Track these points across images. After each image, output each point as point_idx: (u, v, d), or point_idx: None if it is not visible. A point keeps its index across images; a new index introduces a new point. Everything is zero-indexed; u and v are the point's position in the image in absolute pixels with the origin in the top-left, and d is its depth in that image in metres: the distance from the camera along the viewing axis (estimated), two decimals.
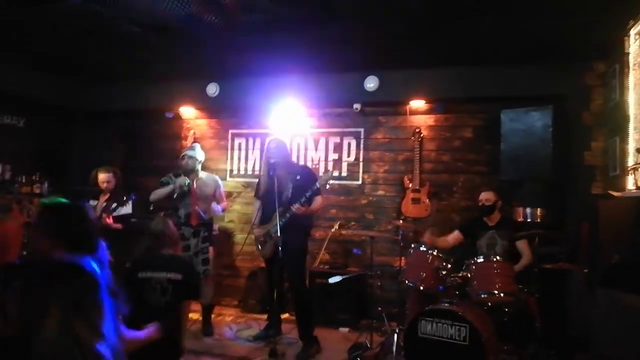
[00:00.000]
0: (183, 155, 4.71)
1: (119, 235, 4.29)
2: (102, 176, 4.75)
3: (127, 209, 4.50)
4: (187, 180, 4.61)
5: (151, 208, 5.60)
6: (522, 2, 3.53)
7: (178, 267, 2.97)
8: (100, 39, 4.61)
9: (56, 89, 6.07)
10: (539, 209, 4.55)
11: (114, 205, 4.36)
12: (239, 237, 5.99)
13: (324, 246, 5.52)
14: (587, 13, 3.63)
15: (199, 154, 4.73)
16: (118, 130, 6.53)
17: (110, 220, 4.47)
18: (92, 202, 4.67)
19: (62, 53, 5.17)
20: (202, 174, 4.77)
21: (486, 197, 4.28)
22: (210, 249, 4.68)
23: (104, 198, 4.74)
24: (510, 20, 3.86)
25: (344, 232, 5.57)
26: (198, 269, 4.50)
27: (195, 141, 6.25)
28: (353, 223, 5.63)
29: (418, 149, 5.38)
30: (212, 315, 4.89)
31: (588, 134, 4.57)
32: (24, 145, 5.95)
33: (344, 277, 4.69)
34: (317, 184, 4.11)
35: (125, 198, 4.38)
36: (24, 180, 5.76)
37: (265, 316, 4.88)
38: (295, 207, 4.06)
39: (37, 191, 5.82)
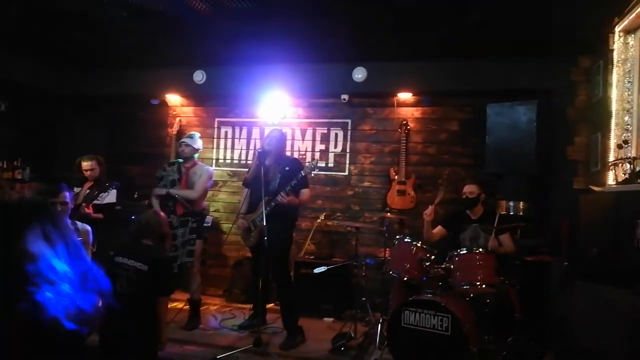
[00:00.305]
0: (181, 143, 4.68)
1: (100, 225, 4.22)
2: (86, 164, 4.67)
3: (111, 197, 4.45)
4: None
5: (135, 196, 5.56)
6: None
7: (146, 258, 2.94)
8: (86, 23, 4.52)
9: (40, 73, 5.96)
10: (521, 203, 4.61)
11: (96, 193, 4.30)
12: (225, 226, 5.98)
13: (310, 237, 5.54)
14: (573, 9, 3.67)
15: (197, 143, 4.68)
16: (103, 116, 6.45)
17: (89, 210, 4.40)
18: (76, 190, 4.59)
19: (46, 36, 5.07)
20: (199, 165, 4.71)
21: (470, 189, 4.32)
22: (198, 242, 4.54)
23: (87, 185, 4.68)
24: (498, 14, 3.88)
25: (329, 222, 5.60)
26: (183, 260, 4.48)
27: (180, 129, 6.20)
28: (339, 214, 5.65)
29: (404, 141, 5.40)
30: (200, 309, 4.83)
31: (572, 129, 4.62)
32: (5, 130, 5.82)
33: (329, 267, 4.72)
34: (302, 172, 4.12)
35: (107, 185, 4.32)
36: (5, 166, 5.66)
37: (249, 306, 4.88)
38: (280, 197, 4.06)
39: (19, 177, 5.72)
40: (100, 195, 4.28)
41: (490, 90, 5.02)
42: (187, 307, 4.67)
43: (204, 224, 4.63)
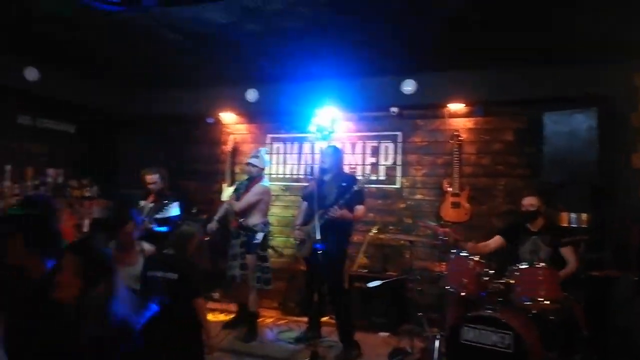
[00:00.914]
0: (247, 163, 4.93)
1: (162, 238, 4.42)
2: (149, 177, 4.92)
3: (175, 210, 4.67)
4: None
5: (194, 211, 5.77)
6: (565, 1, 3.46)
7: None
8: (145, 47, 4.78)
9: (105, 96, 6.33)
10: (584, 214, 4.44)
11: (159, 206, 4.56)
12: (278, 239, 6.08)
13: (362, 250, 5.54)
14: (635, 10, 3.52)
15: (261, 162, 4.88)
16: (161, 134, 6.76)
17: (151, 226, 4.60)
18: (141, 203, 4.84)
19: (111, 61, 5.40)
20: (258, 183, 4.86)
21: (530, 202, 4.19)
22: (249, 256, 4.66)
23: (150, 199, 4.91)
24: (553, 19, 3.79)
25: (382, 236, 5.58)
26: (233, 272, 4.64)
27: (235, 146, 6.41)
28: (391, 227, 5.63)
29: (457, 152, 5.33)
30: (257, 321, 4.94)
31: (636, 136, 4.42)
32: (75, 151, 6.23)
33: (383, 281, 4.70)
34: (355, 187, 4.15)
35: (169, 200, 4.56)
36: (75, 184, 6.04)
37: (305, 318, 4.94)
38: (332, 211, 4.10)
39: (88, 194, 6.09)
40: (164, 209, 4.50)
41: (546, 98, 4.87)
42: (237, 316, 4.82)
43: (254, 241, 4.67)
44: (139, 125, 6.82)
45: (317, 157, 4.60)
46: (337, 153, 4.53)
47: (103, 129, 6.56)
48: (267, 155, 4.99)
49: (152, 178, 4.91)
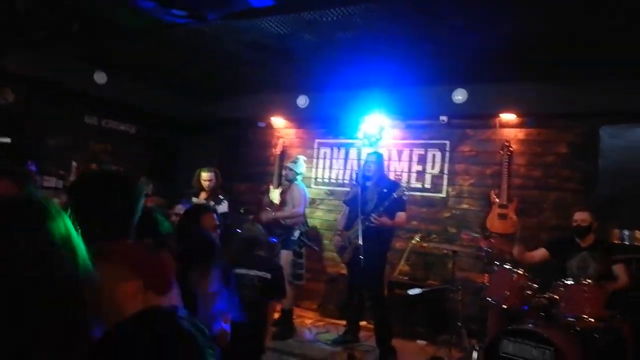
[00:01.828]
0: (286, 166, 5.34)
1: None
2: (205, 175, 5.28)
3: (224, 207, 4.97)
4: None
5: (242, 211, 6.00)
6: (621, 15, 3.36)
7: (267, 267, 3.25)
8: (206, 57, 5.05)
9: (164, 101, 6.69)
10: (638, 231, 4.25)
11: (212, 203, 4.81)
12: (323, 242, 6.19)
13: (404, 257, 5.54)
14: None
15: (299, 168, 5.23)
16: (216, 137, 7.06)
17: None
18: (194, 200, 5.12)
19: (173, 69, 5.72)
20: (297, 184, 5.22)
21: (582, 217, 4.07)
22: (283, 253, 4.92)
23: (204, 196, 5.21)
24: (610, 33, 3.68)
25: (424, 244, 5.56)
26: None
27: (284, 149, 6.59)
28: (434, 236, 5.60)
29: (507, 163, 5.24)
30: (293, 318, 5.09)
31: None
32: (134, 150, 6.63)
33: (424, 290, 4.69)
34: (395, 195, 4.19)
35: (222, 197, 4.85)
36: None
37: (343, 321, 5.01)
38: (372, 218, 4.15)
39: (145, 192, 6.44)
40: (216, 206, 4.75)
41: (603, 111, 4.71)
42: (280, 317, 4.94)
43: (291, 237, 4.98)
44: (196, 129, 7.16)
45: (361, 163, 4.70)
46: (378, 159, 4.58)
47: (162, 131, 6.94)
48: (304, 162, 5.37)
49: (208, 176, 5.25)
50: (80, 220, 0.91)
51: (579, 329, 3.51)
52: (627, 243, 4.24)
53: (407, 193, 4.31)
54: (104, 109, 6.31)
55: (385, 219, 4.20)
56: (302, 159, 5.35)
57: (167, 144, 6.87)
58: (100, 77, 5.75)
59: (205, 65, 5.45)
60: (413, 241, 5.53)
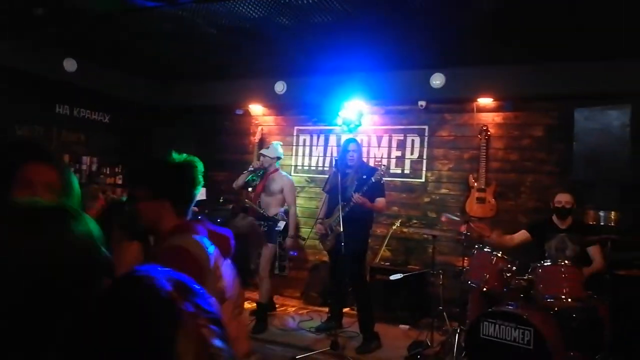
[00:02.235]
0: (259, 154, 5.05)
1: None
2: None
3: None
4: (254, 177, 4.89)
5: (220, 200, 5.92)
6: None
7: None
8: (180, 41, 4.91)
9: (138, 88, 6.53)
10: (613, 212, 4.34)
11: None
12: (303, 230, 6.17)
13: (385, 243, 5.57)
14: None
15: (273, 152, 4.94)
16: (192, 125, 6.92)
17: None
18: None
19: (145, 55, 5.56)
20: (279, 172, 4.98)
21: (565, 199, 4.14)
22: (267, 245, 4.74)
23: None
24: (584, 14, 3.70)
25: (405, 229, 5.59)
26: (254, 262, 4.78)
27: (262, 137, 6.51)
28: (415, 221, 5.63)
29: (484, 147, 5.28)
30: (276, 307, 5.05)
31: None
32: (108, 140, 6.46)
33: (405, 274, 4.72)
34: (373, 179, 4.18)
35: None
36: (108, 172, 6.26)
37: (326, 309, 5.02)
38: (355, 197, 4.13)
39: (120, 182, 6.31)
40: None
41: (578, 94, 4.77)
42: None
43: (276, 228, 4.76)
44: (171, 116, 7.00)
45: (339, 150, 4.63)
46: (359, 148, 4.55)
47: (137, 120, 6.76)
48: (280, 147, 5.04)
49: None
50: None
51: (557, 309, 3.58)
52: (602, 224, 4.33)
53: (385, 177, 4.28)
54: (76, 97, 6.11)
55: (365, 200, 4.18)
56: (276, 143, 5.08)
57: (142, 132, 6.70)
58: (70, 65, 5.56)
59: (179, 50, 5.32)
60: (394, 227, 5.56)
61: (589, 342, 3.55)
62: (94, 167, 6.17)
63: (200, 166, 1.79)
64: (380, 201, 4.33)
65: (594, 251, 3.97)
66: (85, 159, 6.14)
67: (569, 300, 3.47)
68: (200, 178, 1.77)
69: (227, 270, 1.70)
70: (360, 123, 5.97)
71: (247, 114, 6.69)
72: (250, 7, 3.87)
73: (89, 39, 5.08)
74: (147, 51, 5.43)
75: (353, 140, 4.62)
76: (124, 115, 6.64)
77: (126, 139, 6.59)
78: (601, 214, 4.38)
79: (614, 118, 4.35)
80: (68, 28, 4.66)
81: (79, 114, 6.24)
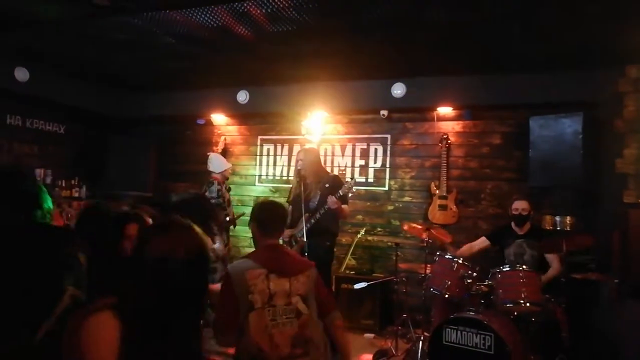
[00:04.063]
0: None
1: None
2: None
3: None
4: None
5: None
6: (550, 8, 3.50)
7: None
8: (137, 50, 4.80)
9: (95, 97, 6.34)
10: (568, 217, 4.48)
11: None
12: None
13: (350, 252, 5.57)
14: (618, 17, 3.57)
15: (211, 166, 5.16)
16: (152, 135, 6.76)
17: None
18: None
19: (102, 63, 5.41)
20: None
21: (522, 206, 4.23)
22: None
23: None
24: (538, 25, 3.83)
25: (370, 238, 5.61)
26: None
27: (225, 147, 6.42)
28: (379, 229, 5.66)
29: (445, 155, 5.37)
30: None
31: (620, 141, 4.47)
32: (64, 151, 6.24)
33: (369, 283, 4.73)
34: (340, 192, 4.16)
35: None
36: (63, 185, 6.03)
37: None
38: (330, 201, 4.07)
39: (76, 195, 6.08)
40: None
41: (533, 103, 4.93)
42: None
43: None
44: (129, 127, 6.83)
45: (297, 159, 4.58)
46: (311, 154, 4.52)
47: (93, 130, 6.56)
48: (216, 157, 5.19)
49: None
50: None
51: (516, 313, 3.65)
52: (559, 229, 4.46)
53: (354, 189, 4.24)
54: (29, 107, 5.88)
55: (339, 204, 4.13)
56: (211, 155, 5.19)
57: (98, 143, 6.49)
58: (21, 74, 5.35)
59: (137, 59, 5.19)
60: (359, 235, 5.57)
61: (547, 345, 3.63)
62: (48, 180, 5.92)
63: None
64: (345, 208, 4.33)
65: (551, 257, 4.08)
66: (39, 172, 5.87)
67: (528, 304, 3.54)
68: None
69: (260, 286, 2.22)
70: (324, 132, 5.97)
71: (209, 123, 6.59)
72: (206, 16, 3.82)
73: (41, 48, 4.91)
74: (102, 60, 5.28)
75: (303, 149, 4.62)
76: (80, 126, 6.43)
77: (82, 150, 6.38)
78: (557, 219, 4.52)
79: (567, 126, 4.51)
80: (18, 36, 4.49)
81: (32, 125, 6.00)
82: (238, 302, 2.17)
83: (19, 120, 5.87)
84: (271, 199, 5.24)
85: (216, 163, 4.99)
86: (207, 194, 4.97)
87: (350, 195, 4.28)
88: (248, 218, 2.74)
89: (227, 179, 5.25)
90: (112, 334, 1.32)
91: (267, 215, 2.45)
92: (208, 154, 5.23)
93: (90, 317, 1.34)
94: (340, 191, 4.15)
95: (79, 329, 1.32)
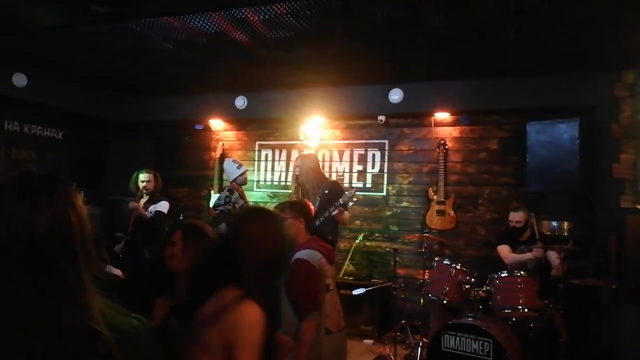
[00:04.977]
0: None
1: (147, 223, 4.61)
2: (143, 176, 4.77)
3: (162, 207, 4.68)
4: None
5: (181, 217, 5.78)
6: (547, 13, 3.52)
7: None
8: (136, 56, 4.81)
9: (94, 103, 6.34)
10: (565, 222, 4.49)
11: (152, 207, 4.63)
12: None
13: (348, 257, 5.57)
14: (614, 22, 3.59)
15: (226, 173, 5.07)
16: (150, 141, 6.75)
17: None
18: (130, 205, 4.78)
19: (100, 69, 5.42)
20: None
21: (517, 218, 4.24)
22: None
23: (144, 200, 4.79)
24: (535, 31, 3.85)
25: (368, 243, 5.61)
26: None
27: (223, 152, 6.42)
28: (377, 234, 5.66)
29: (443, 161, 5.38)
30: None
31: (617, 146, 4.49)
32: (62, 156, 6.23)
33: (367, 289, 4.72)
34: (341, 200, 4.14)
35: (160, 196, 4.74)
36: None
37: None
38: (333, 211, 4.03)
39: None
40: (150, 207, 4.56)
41: (530, 108, 4.95)
42: None
43: None
44: (128, 132, 6.83)
45: (294, 166, 4.56)
46: (308, 161, 4.48)
47: (92, 135, 6.56)
48: (228, 165, 4.97)
49: (147, 177, 4.77)
50: None
51: (514, 319, 3.65)
52: (556, 234, 4.46)
53: (355, 198, 4.18)
54: (27, 113, 5.88)
55: (343, 212, 4.11)
56: (224, 162, 5.11)
57: (96, 149, 6.48)
58: (20, 80, 5.35)
59: (135, 65, 5.20)
60: (357, 240, 5.57)
61: (546, 350, 3.63)
62: None
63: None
64: (345, 215, 4.32)
65: (553, 255, 4.07)
66: None
67: (526, 310, 3.54)
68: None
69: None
70: (322, 138, 5.98)
71: (207, 129, 6.60)
72: (204, 22, 3.83)
73: (40, 54, 4.91)
74: (101, 65, 5.29)
75: (301, 155, 4.61)
76: (78, 131, 6.43)
77: (80, 155, 6.38)
78: (554, 224, 4.52)
79: (564, 131, 4.52)
80: (17, 43, 4.50)
81: (30, 131, 6.00)
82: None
83: (17, 126, 5.87)
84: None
85: (229, 171, 4.92)
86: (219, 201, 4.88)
87: (350, 204, 4.24)
88: None
89: (245, 183, 5.06)
90: (260, 321, 1.53)
91: (309, 212, 2.90)
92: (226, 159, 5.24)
93: (242, 305, 1.52)
94: (340, 200, 4.12)
95: (228, 313, 1.50)
